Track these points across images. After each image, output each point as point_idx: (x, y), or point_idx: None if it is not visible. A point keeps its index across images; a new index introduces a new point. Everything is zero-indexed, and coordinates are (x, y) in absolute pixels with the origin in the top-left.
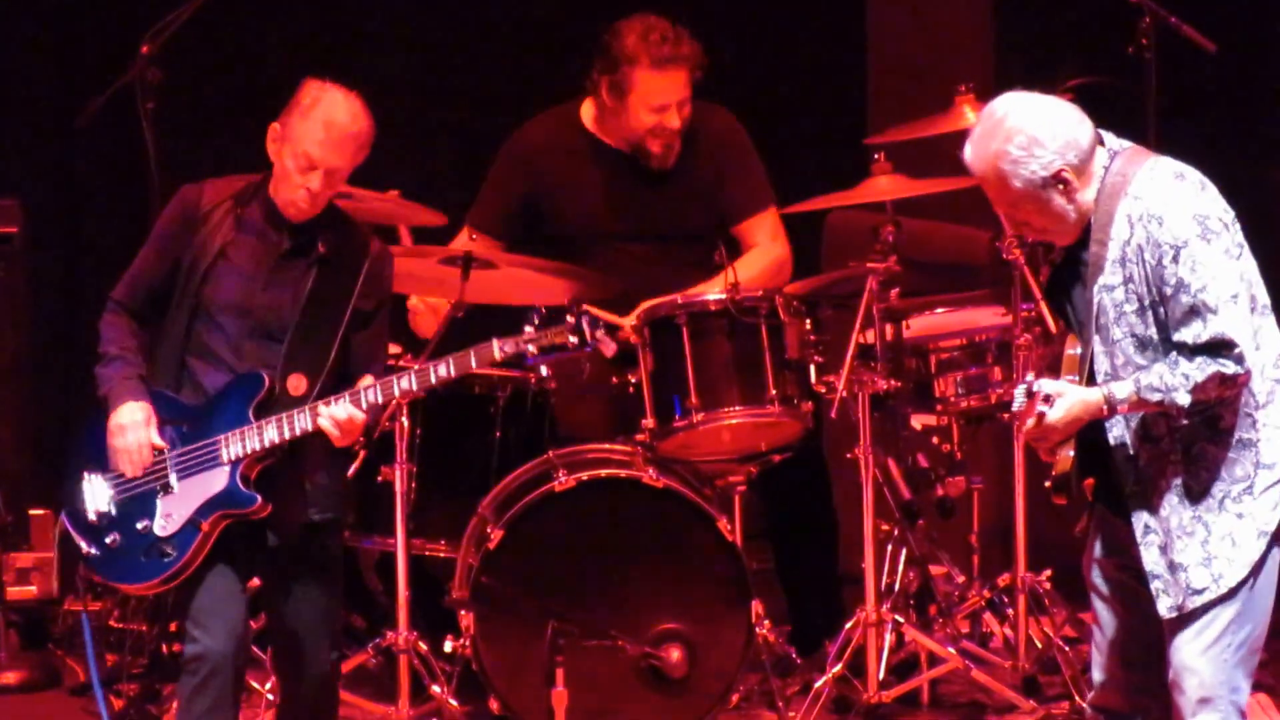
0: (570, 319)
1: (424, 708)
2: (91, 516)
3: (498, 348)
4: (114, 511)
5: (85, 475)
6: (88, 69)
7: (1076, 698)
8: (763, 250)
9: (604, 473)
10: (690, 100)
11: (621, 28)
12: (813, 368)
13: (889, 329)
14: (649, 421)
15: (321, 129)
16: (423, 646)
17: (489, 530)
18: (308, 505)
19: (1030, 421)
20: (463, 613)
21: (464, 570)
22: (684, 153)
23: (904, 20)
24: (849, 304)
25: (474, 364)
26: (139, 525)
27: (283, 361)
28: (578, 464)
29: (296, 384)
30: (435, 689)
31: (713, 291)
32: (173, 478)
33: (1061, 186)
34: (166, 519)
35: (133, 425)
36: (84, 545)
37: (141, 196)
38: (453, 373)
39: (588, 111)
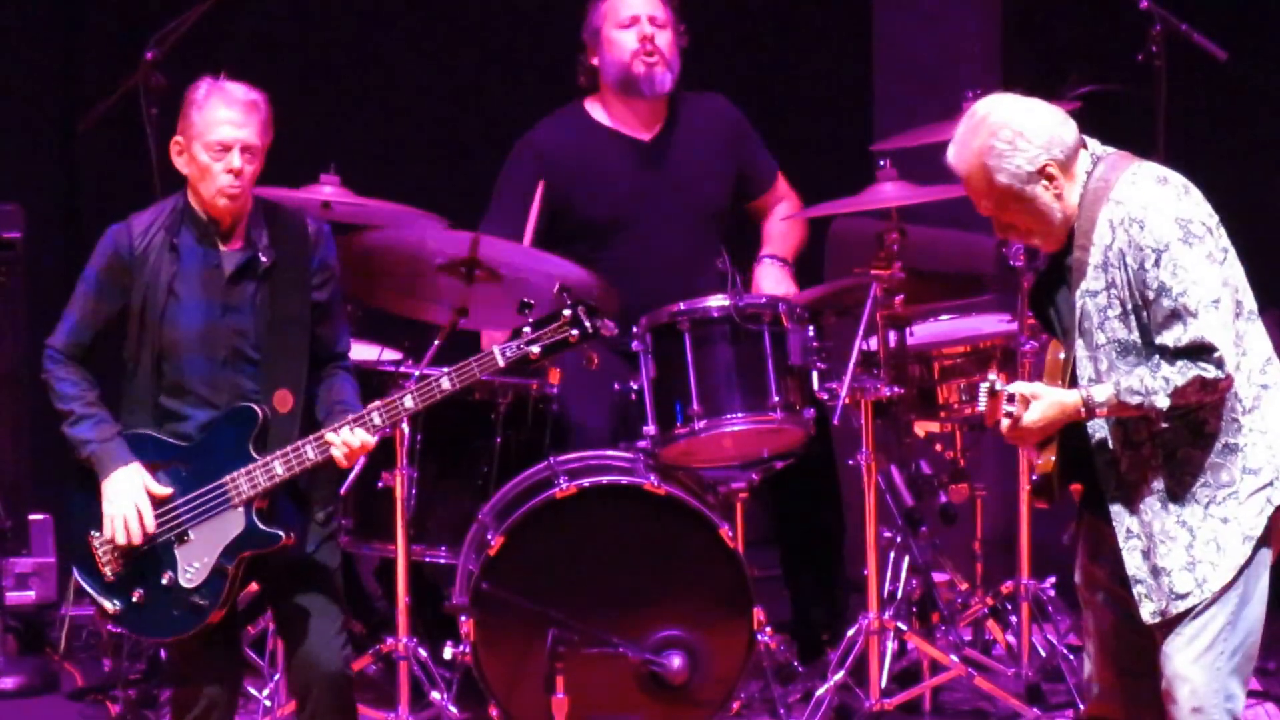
0: (567, 312)
1: (424, 714)
2: (109, 576)
3: (500, 354)
4: (133, 568)
5: (92, 536)
6: (91, 74)
7: (1081, 706)
8: (788, 217)
9: (605, 479)
10: (671, 27)
11: None
12: (815, 374)
13: (892, 336)
14: (651, 428)
15: (223, 108)
16: (423, 653)
17: (489, 536)
18: (311, 516)
19: (1004, 422)
20: (463, 619)
21: (464, 576)
22: (696, 131)
23: (911, 26)
24: (852, 311)
25: (478, 374)
26: (163, 579)
27: (263, 384)
28: (579, 471)
29: (283, 399)
30: (435, 695)
31: (715, 298)
32: (188, 527)
33: (1046, 183)
34: (191, 569)
35: (129, 491)
36: (108, 605)
37: (145, 203)
38: (456, 385)
39: (592, 106)
